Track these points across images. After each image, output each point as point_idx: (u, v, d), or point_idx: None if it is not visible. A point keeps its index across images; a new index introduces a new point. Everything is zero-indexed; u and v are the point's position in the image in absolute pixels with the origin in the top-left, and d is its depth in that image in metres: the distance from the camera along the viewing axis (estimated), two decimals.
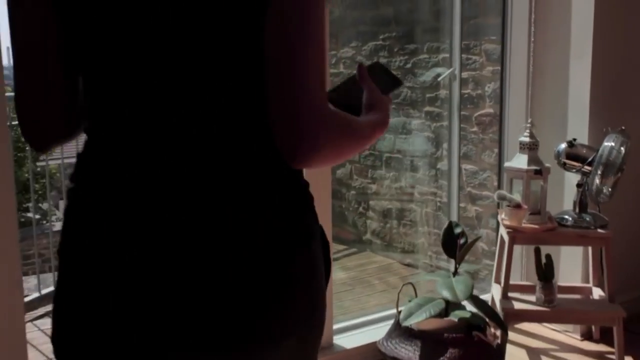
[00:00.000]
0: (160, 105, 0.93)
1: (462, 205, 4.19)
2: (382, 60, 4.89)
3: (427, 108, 4.56)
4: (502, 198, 2.80)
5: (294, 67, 0.89)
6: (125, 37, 0.92)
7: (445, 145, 4.41)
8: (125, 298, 0.91)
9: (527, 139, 2.82)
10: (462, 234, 2.69)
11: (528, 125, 2.85)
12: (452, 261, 2.67)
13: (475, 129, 4.09)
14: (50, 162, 9.18)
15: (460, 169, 3.87)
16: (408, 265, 4.78)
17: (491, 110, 3.97)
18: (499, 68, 3.85)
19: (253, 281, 0.91)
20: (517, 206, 2.75)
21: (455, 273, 2.62)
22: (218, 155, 0.92)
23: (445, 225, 2.75)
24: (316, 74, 0.90)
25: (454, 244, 2.67)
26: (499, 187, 3.40)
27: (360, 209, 5.21)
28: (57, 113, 1.01)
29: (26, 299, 3.95)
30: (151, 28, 0.91)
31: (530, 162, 2.79)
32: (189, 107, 0.92)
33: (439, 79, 3.83)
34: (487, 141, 4.04)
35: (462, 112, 4.10)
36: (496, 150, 3.98)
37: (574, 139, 2.81)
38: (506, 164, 2.88)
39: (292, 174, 0.97)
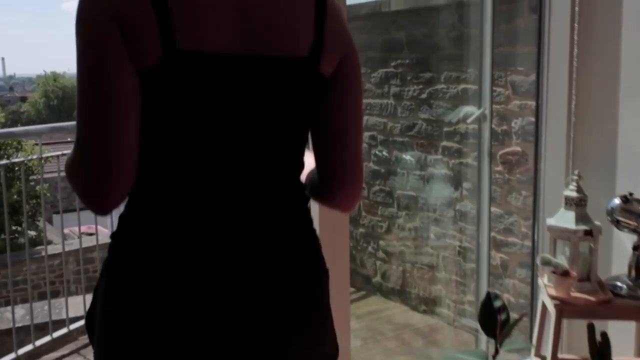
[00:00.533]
0: (243, 170, 1.08)
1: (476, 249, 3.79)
2: (394, 90, 4.50)
3: (445, 143, 4.17)
4: (547, 263, 2.41)
5: (353, 140, 1.18)
6: (224, 115, 1.04)
7: (465, 185, 4.02)
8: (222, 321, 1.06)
9: (574, 194, 2.43)
10: (503, 308, 2.29)
11: (575, 177, 2.46)
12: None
13: (500, 168, 3.70)
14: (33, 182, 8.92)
15: (490, 216, 3.46)
16: (424, 313, 4.37)
17: (518, 149, 3.59)
18: (528, 102, 3.49)
19: (314, 307, 1.18)
20: (565, 273, 2.36)
21: (495, 355, 2.23)
22: (282, 206, 1.14)
23: (483, 297, 2.35)
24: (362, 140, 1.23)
25: (493, 321, 2.27)
26: (534, 244, 2.99)
27: (370, 248, 4.81)
28: (127, 185, 1.04)
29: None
30: (244, 109, 1.05)
31: (578, 221, 2.40)
32: (263, 174, 1.10)
33: (468, 121, 3.44)
34: (514, 182, 3.65)
35: None
36: (524, 192, 3.61)
37: (631, 194, 2.42)
38: (550, 222, 2.49)
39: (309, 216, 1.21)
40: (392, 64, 4.47)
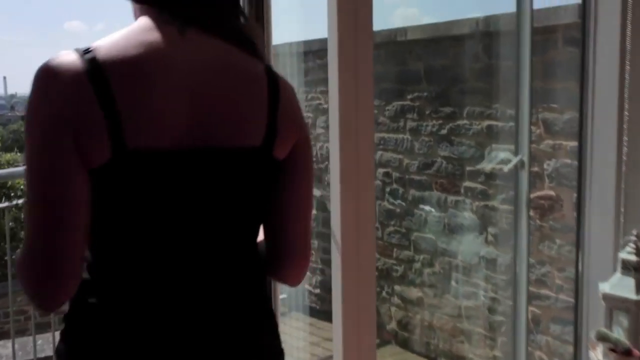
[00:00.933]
0: (200, 260, 1.10)
1: (512, 303, 3.48)
2: (411, 124, 4.20)
3: (467, 183, 3.86)
4: (603, 339, 2.09)
5: (302, 220, 1.22)
6: (178, 201, 1.06)
7: (491, 230, 3.70)
8: None
9: (633, 257, 2.13)
10: None
11: (633, 238, 2.15)
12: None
13: (530, 213, 3.38)
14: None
15: (528, 271, 3.12)
16: None
17: (552, 193, 3.28)
18: (563, 143, 3.20)
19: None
20: (627, 353, 2.04)
21: None
22: (239, 283, 1.16)
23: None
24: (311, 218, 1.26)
25: None
26: (577, 306, 2.67)
27: (384, 293, 4.48)
28: (74, 287, 1.03)
29: None
30: (197, 202, 1.07)
31: (639, 289, 2.09)
32: (221, 263, 1.13)
33: (505, 169, 3.12)
34: (547, 229, 3.33)
35: (512, 192, 3.42)
36: (558, 241, 3.30)
37: None
38: (604, 289, 2.17)
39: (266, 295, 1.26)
40: (409, 96, 4.17)
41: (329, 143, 1.98)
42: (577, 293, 2.69)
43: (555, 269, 3.31)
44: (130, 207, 1.03)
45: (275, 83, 1.12)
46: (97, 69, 0.97)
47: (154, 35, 1.03)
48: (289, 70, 4.28)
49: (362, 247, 1.98)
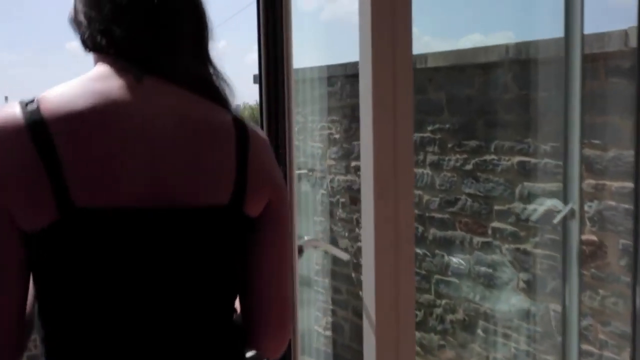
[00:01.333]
0: (159, 317, 0.99)
1: (549, 358, 3.16)
2: (432, 158, 3.90)
3: (495, 224, 3.54)
4: None
5: (280, 283, 1.10)
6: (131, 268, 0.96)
7: (522, 276, 3.38)
8: None
9: None
10: None
11: None
12: None
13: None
14: None
15: (579, 332, 2.79)
16: None
17: (594, 238, 2.97)
18: (607, 183, 2.90)
19: None
20: None
21: None
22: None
23: None
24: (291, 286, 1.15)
25: None
26: None
27: None
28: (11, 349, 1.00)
29: None
30: (153, 265, 0.97)
31: None
32: (185, 323, 1.01)
33: (555, 221, 2.77)
34: (588, 277, 3.02)
35: (549, 236, 3.12)
36: (601, 291, 2.99)
37: None
38: None
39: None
40: (429, 128, 3.88)
41: (361, 203, 1.66)
42: (634, 356, 2.38)
43: (599, 322, 2.99)
44: (82, 271, 0.94)
45: (244, 135, 1.03)
46: (39, 124, 0.90)
47: (108, 84, 0.96)
48: (309, 96, 4.04)
49: (402, 333, 1.66)
